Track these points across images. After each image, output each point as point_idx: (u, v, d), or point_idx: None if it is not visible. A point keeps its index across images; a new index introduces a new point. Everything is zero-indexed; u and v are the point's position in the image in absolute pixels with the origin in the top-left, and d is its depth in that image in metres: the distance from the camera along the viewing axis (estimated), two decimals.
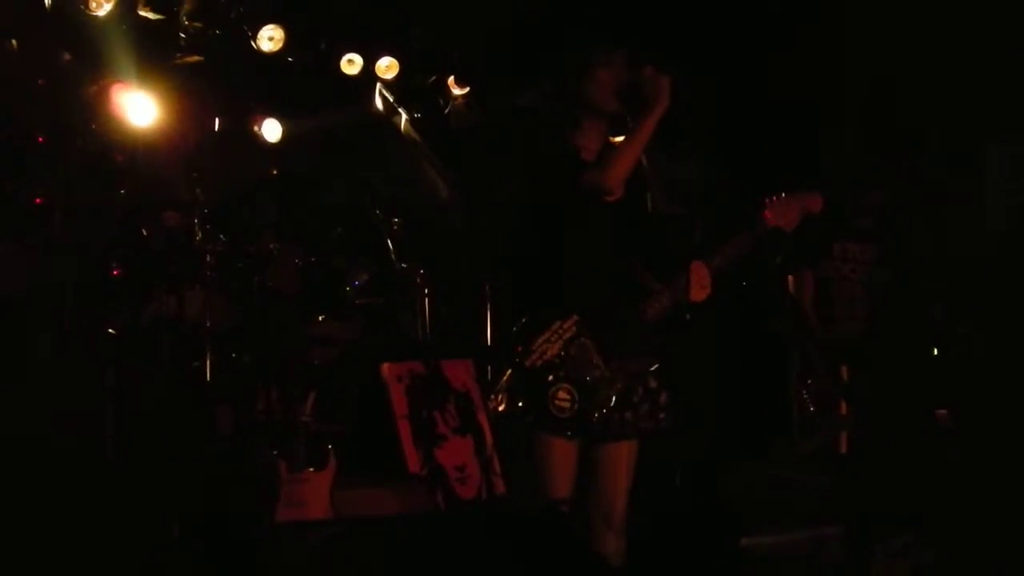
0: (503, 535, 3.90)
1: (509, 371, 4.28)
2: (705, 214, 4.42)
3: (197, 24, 7.45)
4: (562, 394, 4.23)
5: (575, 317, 4.28)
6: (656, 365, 4.36)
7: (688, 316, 4.35)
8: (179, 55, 7.47)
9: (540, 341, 4.26)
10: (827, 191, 6.36)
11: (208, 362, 6.07)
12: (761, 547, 4.74)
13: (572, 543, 4.02)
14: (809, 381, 6.05)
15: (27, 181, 6.61)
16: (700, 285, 4.35)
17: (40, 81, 6.65)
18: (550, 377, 4.23)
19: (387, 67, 8.22)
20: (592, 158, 4.39)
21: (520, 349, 4.25)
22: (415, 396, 6.27)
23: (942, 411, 6.10)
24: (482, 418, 6.27)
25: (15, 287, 6.10)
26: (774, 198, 4.48)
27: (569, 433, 4.27)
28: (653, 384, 4.37)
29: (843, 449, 5.95)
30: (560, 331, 4.26)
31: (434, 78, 8.44)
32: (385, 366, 6.33)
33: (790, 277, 6.34)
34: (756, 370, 6.93)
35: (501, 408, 4.31)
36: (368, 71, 8.16)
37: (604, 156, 4.38)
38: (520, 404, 4.24)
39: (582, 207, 4.32)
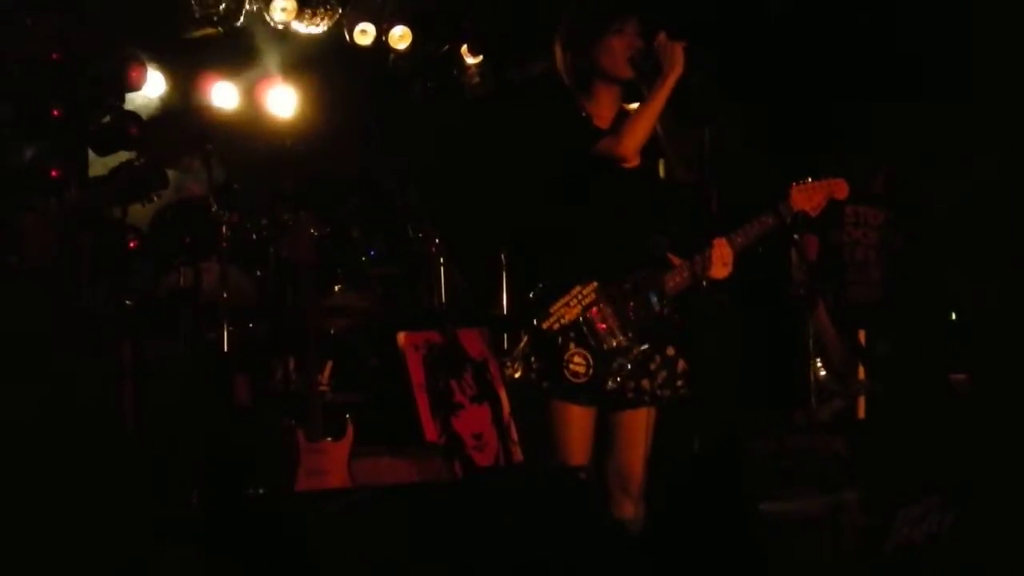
0: (521, 503, 3.90)
1: (526, 339, 4.28)
2: (720, 182, 4.40)
3: None
4: (577, 359, 4.23)
5: (595, 283, 4.27)
6: (674, 334, 4.36)
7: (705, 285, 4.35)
8: (193, 28, 7.46)
9: (558, 305, 4.25)
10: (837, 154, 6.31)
11: (225, 333, 6.09)
12: (780, 512, 4.75)
13: (591, 510, 4.03)
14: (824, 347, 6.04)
15: (43, 154, 6.63)
16: (722, 263, 4.35)
17: (54, 55, 6.65)
18: (563, 341, 4.23)
19: (400, 36, 8.19)
20: (606, 126, 4.38)
21: (537, 312, 4.25)
22: (432, 365, 6.29)
23: (959, 375, 6.09)
24: (499, 386, 6.28)
25: (36, 259, 6.12)
26: (801, 182, 4.48)
27: (584, 399, 4.28)
28: (671, 352, 4.37)
29: (861, 415, 5.94)
30: (579, 296, 4.26)
31: (447, 47, 8.41)
32: (402, 335, 6.34)
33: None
34: (772, 336, 6.92)
35: (517, 375, 4.31)
36: (381, 41, 8.13)
37: (619, 124, 4.37)
38: (534, 365, 4.24)
39: (597, 175, 4.31)
